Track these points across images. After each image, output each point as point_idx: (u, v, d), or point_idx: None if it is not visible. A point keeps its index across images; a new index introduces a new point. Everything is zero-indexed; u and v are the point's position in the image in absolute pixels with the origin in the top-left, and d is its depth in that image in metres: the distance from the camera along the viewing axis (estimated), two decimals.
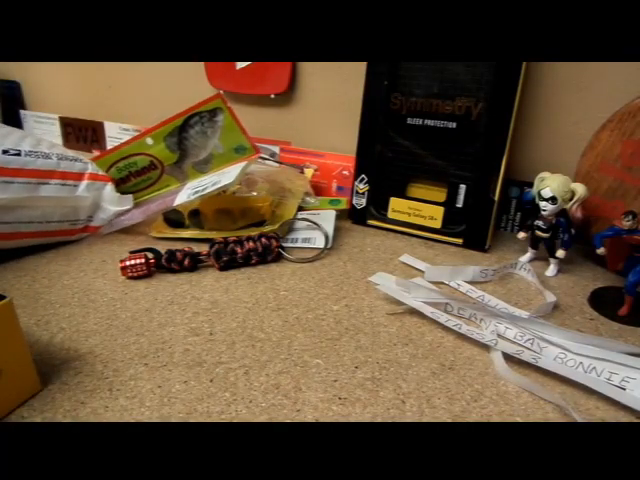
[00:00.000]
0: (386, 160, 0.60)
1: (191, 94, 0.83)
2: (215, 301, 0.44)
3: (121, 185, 0.57)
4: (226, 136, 0.51)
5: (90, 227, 0.56)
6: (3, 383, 0.29)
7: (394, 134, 0.59)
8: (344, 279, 0.49)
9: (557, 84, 0.57)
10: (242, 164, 0.52)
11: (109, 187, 0.54)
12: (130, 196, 0.56)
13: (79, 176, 0.53)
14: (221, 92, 0.51)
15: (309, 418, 0.31)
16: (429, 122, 0.57)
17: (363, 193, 0.62)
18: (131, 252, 0.48)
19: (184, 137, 0.52)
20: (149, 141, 0.53)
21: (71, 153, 0.54)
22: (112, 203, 0.54)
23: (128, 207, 0.55)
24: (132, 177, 0.56)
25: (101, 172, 0.55)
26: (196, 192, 0.48)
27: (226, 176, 0.48)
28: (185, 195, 0.49)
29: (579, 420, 0.31)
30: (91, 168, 0.54)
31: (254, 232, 0.53)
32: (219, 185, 0.46)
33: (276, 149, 0.76)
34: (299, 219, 0.59)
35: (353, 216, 0.64)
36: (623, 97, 0.51)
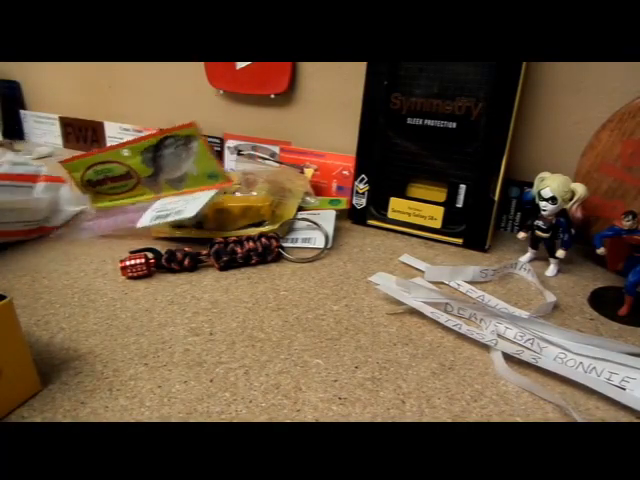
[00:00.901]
0: (386, 160, 0.60)
1: (191, 94, 0.84)
2: (215, 301, 0.44)
3: (97, 186, 0.58)
4: (200, 162, 0.52)
5: (46, 227, 0.56)
6: (3, 383, 0.29)
7: (394, 134, 0.59)
8: (344, 279, 0.49)
9: (557, 84, 0.57)
10: (211, 192, 0.52)
11: (65, 188, 0.55)
12: (86, 196, 0.58)
13: (34, 178, 0.53)
14: (195, 121, 0.53)
15: (309, 418, 0.31)
16: (429, 122, 0.57)
17: (363, 193, 0.62)
18: (131, 252, 0.48)
19: (159, 155, 0.53)
20: (125, 152, 0.54)
21: (21, 159, 0.55)
22: (69, 204, 0.55)
23: (84, 207, 0.57)
24: (109, 181, 0.57)
25: (55, 174, 0.56)
26: (159, 217, 0.49)
27: (190, 206, 0.49)
28: (148, 218, 0.50)
29: (579, 420, 0.31)
30: (45, 170, 0.55)
31: (254, 232, 0.53)
32: (180, 216, 0.47)
33: (276, 149, 0.76)
34: (299, 219, 0.59)
35: (353, 216, 0.64)
36: (623, 97, 0.51)
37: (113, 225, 0.54)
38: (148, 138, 0.52)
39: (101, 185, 0.57)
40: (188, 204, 0.49)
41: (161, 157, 0.53)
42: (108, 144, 0.94)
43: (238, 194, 0.60)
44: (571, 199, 0.48)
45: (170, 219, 0.47)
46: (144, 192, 0.57)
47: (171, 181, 0.54)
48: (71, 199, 0.55)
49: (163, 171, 0.53)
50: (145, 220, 0.50)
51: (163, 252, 0.48)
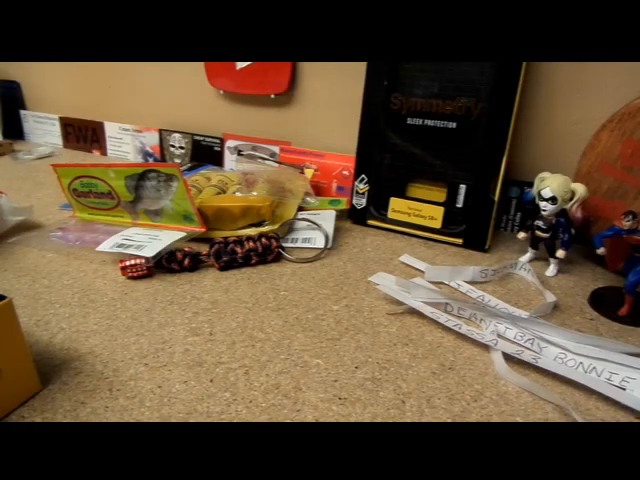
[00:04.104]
0: (386, 160, 0.60)
1: (191, 94, 0.84)
2: (215, 301, 0.44)
3: (82, 198, 0.59)
4: (177, 202, 0.54)
5: None
6: (3, 383, 0.29)
7: (394, 134, 0.59)
8: (344, 279, 0.49)
9: (557, 84, 0.57)
10: (178, 235, 0.52)
11: (4, 199, 0.56)
12: (30, 206, 0.59)
13: None
14: (178, 164, 0.54)
15: (309, 418, 0.31)
16: (429, 122, 0.57)
17: (363, 193, 0.62)
18: None
19: (141, 185, 0.54)
20: (111, 174, 0.55)
21: None
22: (11, 214, 0.56)
23: (28, 217, 0.58)
24: (92, 195, 0.58)
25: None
26: (120, 245, 0.50)
27: (153, 245, 0.49)
28: (111, 243, 0.51)
29: (579, 420, 0.31)
30: None
31: (254, 232, 0.53)
32: (139, 252, 0.48)
33: (276, 149, 0.76)
34: (299, 219, 0.59)
35: (353, 216, 0.64)
36: (623, 97, 0.51)
37: (80, 240, 0.54)
38: (134, 166, 0.54)
39: (85, 197, 0.59)
40: (153, 242, 0.50)
41: (143, 187, 0.54)
42: (108, 144, 0.94)
43: (238, 194, 0.60)
44: (571, 199, 0.48)
45: (129, 251, 0.48)
46: (123, 215, 0.58)
47: (148, 211, 0.56)
48: (11, 209, 0.56)
49: (142, 201, 0.55)
50: (107, 245, 0.50)
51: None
